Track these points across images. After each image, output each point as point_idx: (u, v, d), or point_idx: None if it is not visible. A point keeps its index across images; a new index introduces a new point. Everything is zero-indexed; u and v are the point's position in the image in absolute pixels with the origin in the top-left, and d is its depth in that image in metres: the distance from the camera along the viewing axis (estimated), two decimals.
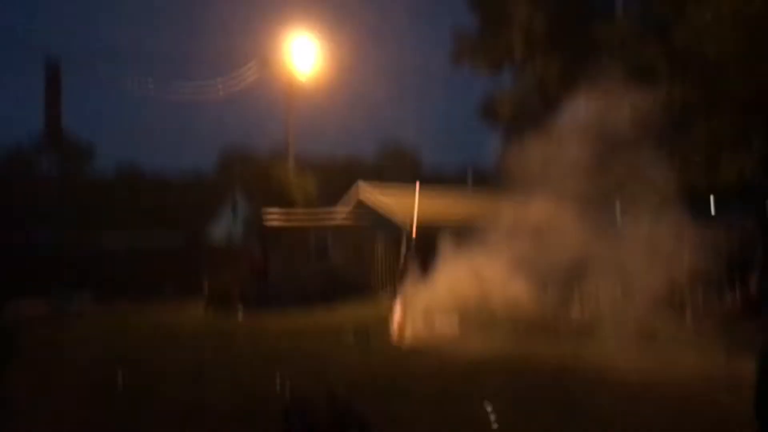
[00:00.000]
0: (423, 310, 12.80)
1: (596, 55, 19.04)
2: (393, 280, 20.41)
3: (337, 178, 40.10)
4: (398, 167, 45.49)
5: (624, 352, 10.14)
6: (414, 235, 18.70)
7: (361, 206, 27.06)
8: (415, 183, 17.02)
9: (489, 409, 7.34)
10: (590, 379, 8.96)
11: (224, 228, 42.41)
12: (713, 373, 8.69)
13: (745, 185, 16.17)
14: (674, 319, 11.83)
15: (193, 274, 23.90)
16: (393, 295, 14.62)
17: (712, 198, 18.26)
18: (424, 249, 19.43)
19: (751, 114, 15.55)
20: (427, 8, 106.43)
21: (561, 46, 22.48)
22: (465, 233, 14.87)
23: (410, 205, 22.60)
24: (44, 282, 22.55)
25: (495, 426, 6.83)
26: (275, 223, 20.72)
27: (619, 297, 13.19)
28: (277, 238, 19.96)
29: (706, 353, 9.56)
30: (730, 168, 15.61)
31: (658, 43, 17.08)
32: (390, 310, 14.21)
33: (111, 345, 13.55)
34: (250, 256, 19.46)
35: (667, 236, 12.82)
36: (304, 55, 29.19)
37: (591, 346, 10.86)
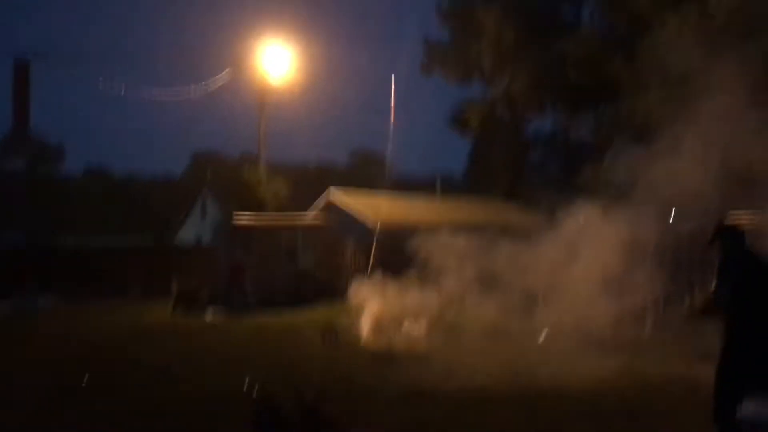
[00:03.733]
0: (391, 313, 13.01)
1: (561, 67, 19.50)
2: (363, 283, 20.63)
3: (308, 184, 40.20)
4: (370, 173, 45.66)
5: (579, 357, 10.37)
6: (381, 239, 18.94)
7: (332, 209, 27.22)
8: (386, 189, 17.22)
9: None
10: (542, 385, 8.96)
11: (193, 230, 42.22)
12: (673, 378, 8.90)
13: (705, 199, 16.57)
14: (633, 325, 12.11)
15: (161, 275, 23.84)
16: (362, 298, 14.80)
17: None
18: (394, 252, 19.70)
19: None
20: (399, 18, 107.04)
21: (529, 59, 22.99)
22: (435, 238, 15.07)
23: (381, 208, 22.87)
24: (10, 282, 22.31)
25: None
26: (245, 225, 20.79)
27: (578, 303, 13.49)
28: (247, 240, 20.04)
29: (666, 359, 9.82)
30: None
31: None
32: (359, 312, 14.40)
33: (72, 345, 13.35)
34: (233, 263, 19.37)
35: (621, 241, 13.17)
36: (277, 60, 29.32)
37: (548, 355, 10.99)
